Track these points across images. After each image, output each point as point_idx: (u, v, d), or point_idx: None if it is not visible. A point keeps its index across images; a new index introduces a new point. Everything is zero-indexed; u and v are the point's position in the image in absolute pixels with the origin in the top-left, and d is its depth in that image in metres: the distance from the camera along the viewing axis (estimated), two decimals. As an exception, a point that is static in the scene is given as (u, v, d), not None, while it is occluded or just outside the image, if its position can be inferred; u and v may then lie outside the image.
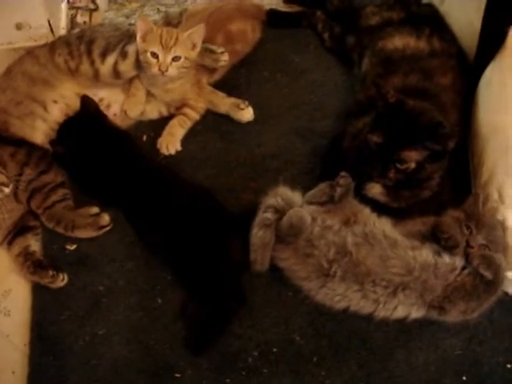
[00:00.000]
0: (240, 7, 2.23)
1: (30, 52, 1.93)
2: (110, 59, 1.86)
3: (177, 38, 1.78)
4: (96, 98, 1.90)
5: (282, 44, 2.21)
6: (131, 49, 1.85)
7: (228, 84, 2.07)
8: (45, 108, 1.84)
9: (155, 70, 1.79)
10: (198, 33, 1.82)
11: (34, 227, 1.76)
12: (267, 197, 1.58)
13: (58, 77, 1.89)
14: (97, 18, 2.42)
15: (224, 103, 1.99)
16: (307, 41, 2.25)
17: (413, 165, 1.53)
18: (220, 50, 1.94)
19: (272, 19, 2.28)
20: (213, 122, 1.99)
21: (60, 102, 1.87)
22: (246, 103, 1.97)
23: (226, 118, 1.99)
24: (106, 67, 1.86)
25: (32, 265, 1.65)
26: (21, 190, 1.71)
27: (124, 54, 1.85)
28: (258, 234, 1.52)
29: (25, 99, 1.82)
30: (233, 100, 1.98)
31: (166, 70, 1.79)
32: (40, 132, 1.82)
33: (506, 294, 1.56)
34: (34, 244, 1.72)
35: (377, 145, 1.55)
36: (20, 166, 1.72)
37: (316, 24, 2.26)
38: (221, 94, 2.01)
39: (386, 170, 1.55)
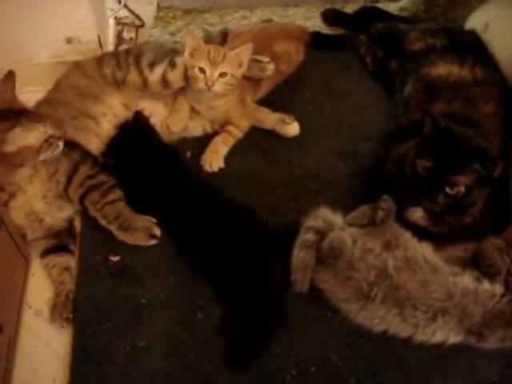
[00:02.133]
0: (284, 29, 2.27)
1: (76, 65, 1.97)
2: (159, 69, 1.89)
3: (224, 56, 1.81)
4: (137, 108, 1.94)
5: (325, 66, 2.25)
6: (180, 60, 1.89)
7: (271, 104, 2.09)
8: (97, 123, 1.88)
9: (202, 84, 1.83)
10: (245, 52, 1.85)
11: (71, 252, 1.79)
12: (308, 218, 1.60)
13: (105, 89, 1.92)
14: (143, 34, 2.48)
15: (270, 119, 2.02)
16: (350, 64, 2.29)
17: (462, 189, 1.55)
18: (266, 59, 1.98)
19: (316, 41, 2.32)
20: (255, 141, 2.01)
21: (108, 114, 1.91)
22: (292, 118, 2.01)
23: (269, 138, 2.02)
24: (154, 76, 1.89)
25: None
26: (73, 186, 1.73)
27: (173, 64, 1.89)
28: (299, 255, 1.54)
29: (79, 114, 1.86)
30: (278, 115, 2.02)
31: (213, 85, 1.82)
32: (93, 146, 1.86)
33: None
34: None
35: (426, 169, 1.56)
36: (74, 164, 1.74)
37: (359, 47, 2.30)
38: (266, 110, 2.04)
39: (435, 194, 1.56)
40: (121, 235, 1.74)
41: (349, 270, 1.50)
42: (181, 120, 1.98)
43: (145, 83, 1.91)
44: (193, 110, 1.99)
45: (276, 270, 1.58)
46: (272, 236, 1.66)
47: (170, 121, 1.97)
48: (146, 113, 1.96)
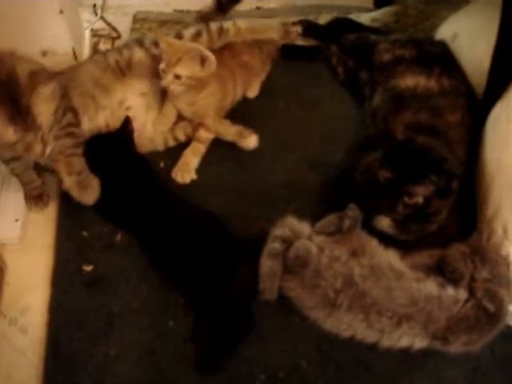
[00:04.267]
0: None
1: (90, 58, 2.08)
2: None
3: (179, 58, 1.85)
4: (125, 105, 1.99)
5: (297, 76, 2.27)
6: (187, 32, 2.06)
7: (243, 113, 2.13)
8: (96, 109, 1.94)
9: (162, 84, 1.90)
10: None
11: None
12: (275, 227, 1.63)
13: (111, 83, 1.98)
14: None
15: (229, 132, 2.04)
16: (321, 74, 2.31)
17: (420, 199, 1.59)
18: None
19: (287, 52, 2.33)
20: (227, 151, 2.04)
21: (107, 109, 1.96)
22: (250, 131, 2.03)
23: (234, 146, 2.05)
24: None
25: None
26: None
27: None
28: (266, 264, 1.57)
29: (85, 93, 1.91)
30: (238, 128, 2.03)
31: (168, 87, 1.89)
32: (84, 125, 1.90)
33: (508, 326, 1.59)
34: None
35: (386, 180, 1.61)
36: (64, 109, 1.77)
37: (331, 58, 2.32)
38: (226, 123, 2.06)
39: (395, 204, 1.61)
40: (74, 191, 1.77)
41: (315, 278, 1.53)
42: (167, 121, 2.03)
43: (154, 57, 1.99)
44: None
45: (243, 276, 1.62)
46: (240, 243, 1.70)
47: (156, 122, 2.02)
48: (130, 113, 1.98)
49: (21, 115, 1.66)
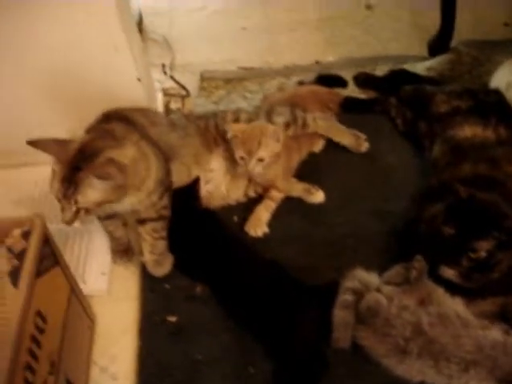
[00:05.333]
0: (314, 92, 2.45)
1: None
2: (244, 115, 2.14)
3: (259, 143, 1.97)
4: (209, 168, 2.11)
5: (358, 129, 2.35)
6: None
7: (308, 167, 2.26)
8: (188, 176, 2.05)
9: (243, 169, 2.02)
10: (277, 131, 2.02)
11: None
12: (346, 279, 1.75)
13: (207, 154, 2.11)
14: (188, 103, 2.65)
15: (296, 189, 2.17)
16: (381, 126, 2.41)
17: (483, 254, 1.68)
18: (364, 136, 2.25)
19: (347, 105, 2.45)
20: (295, 203, 2.15)
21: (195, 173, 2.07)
22: (316, 187, 2.15)
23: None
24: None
25: None
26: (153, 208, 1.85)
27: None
28: (339, 315, 1.68)
29: (184, 164, 2.02)
30: (304, 185, 2.16)
31: (253, 170, 2.00)
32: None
33: None
34: None
35: (450, 235, 1.71)
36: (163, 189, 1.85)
37: (389, 109, 2.42)
38: (294, 181, 2.19)
39: (460, 258, 1.71)
40: (150, 266, 1.96)
41: (386, 327, 1.62)
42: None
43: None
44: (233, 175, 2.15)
45: (312, 321, 1.72)
46: (309, 290, 1.80)
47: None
48: (205, 177, 2.09)
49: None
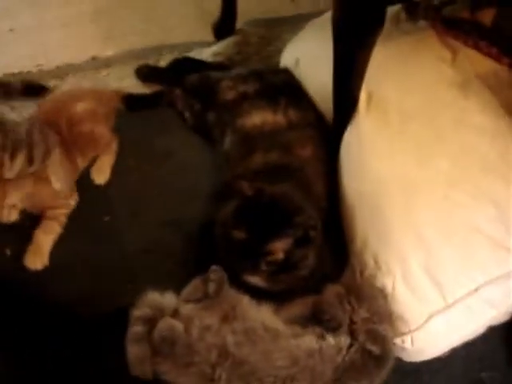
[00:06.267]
0: (92, 92, 2.22)
1: None
2: None
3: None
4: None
5: (144, 128, 2.13)
6: None
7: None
8: None
9: None
10: None
11: None
12: (135, 307, 1.49)
13: None
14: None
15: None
16: (169, 121, 2.17)
17: (281, 255, 1.50)
18: None
19: (130, 103, 2.20)
20: (79, 222, 1.88)
21: None
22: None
23: (92, 215, 1.90)
24: None
25: None
26: None
27: None
28: (132, 351, 1.43)
29: None
30: None
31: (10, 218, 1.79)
32: None
33: (400, 359, 1.53)
34: None
35: (242, 240, 1.51)
36: None
37: (176, 102, 2.18)
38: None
39: (257, 264, 1.51)
40: None
41: (188, 356, 1.39)
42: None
43: None
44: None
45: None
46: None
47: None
48: None
49: None
